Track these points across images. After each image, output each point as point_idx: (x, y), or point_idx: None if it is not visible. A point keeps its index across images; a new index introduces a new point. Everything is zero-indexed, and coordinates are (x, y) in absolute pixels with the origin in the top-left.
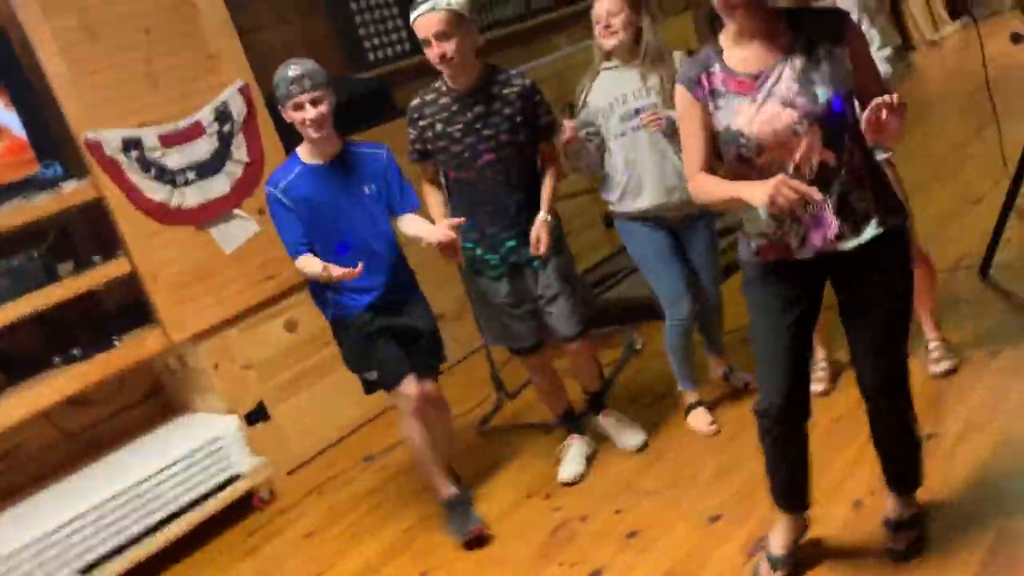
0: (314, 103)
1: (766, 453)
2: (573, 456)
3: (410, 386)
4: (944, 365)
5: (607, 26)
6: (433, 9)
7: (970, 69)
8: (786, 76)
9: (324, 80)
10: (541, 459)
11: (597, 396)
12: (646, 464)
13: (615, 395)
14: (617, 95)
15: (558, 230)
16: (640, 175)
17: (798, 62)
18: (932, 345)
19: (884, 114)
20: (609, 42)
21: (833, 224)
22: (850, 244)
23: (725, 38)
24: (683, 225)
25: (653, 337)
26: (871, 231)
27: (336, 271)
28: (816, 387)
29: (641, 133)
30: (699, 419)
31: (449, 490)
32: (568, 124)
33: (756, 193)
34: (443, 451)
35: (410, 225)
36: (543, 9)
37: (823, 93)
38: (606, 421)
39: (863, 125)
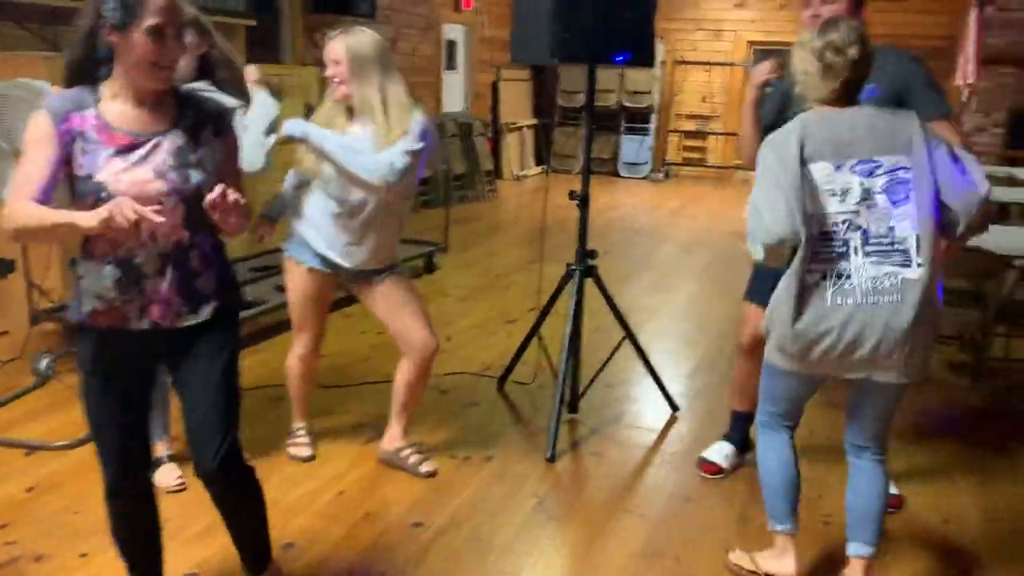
0: None
1: (112, 528)
2: None
3: None
4: (427, 467)
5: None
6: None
7: (539, 207)
8: (164, 148)
9: None
10: (7, 482)
11: None
12: None
13: None
14: None
15: None
16: None
17: (179, 139)
18: (405, 452)
19: (223, 200)
20: None
21: (174, 301)
22: (188, 322)
23: (107, 88)
24: None
25: None
26: (208, 312)
27: None
28: (303, 452)
29: None
30: (166, 475)
31: None
32: None
33: (88, 218)
34: None
35: None
36: None
37: (196, 175)
38: None
39: (207, 204)
